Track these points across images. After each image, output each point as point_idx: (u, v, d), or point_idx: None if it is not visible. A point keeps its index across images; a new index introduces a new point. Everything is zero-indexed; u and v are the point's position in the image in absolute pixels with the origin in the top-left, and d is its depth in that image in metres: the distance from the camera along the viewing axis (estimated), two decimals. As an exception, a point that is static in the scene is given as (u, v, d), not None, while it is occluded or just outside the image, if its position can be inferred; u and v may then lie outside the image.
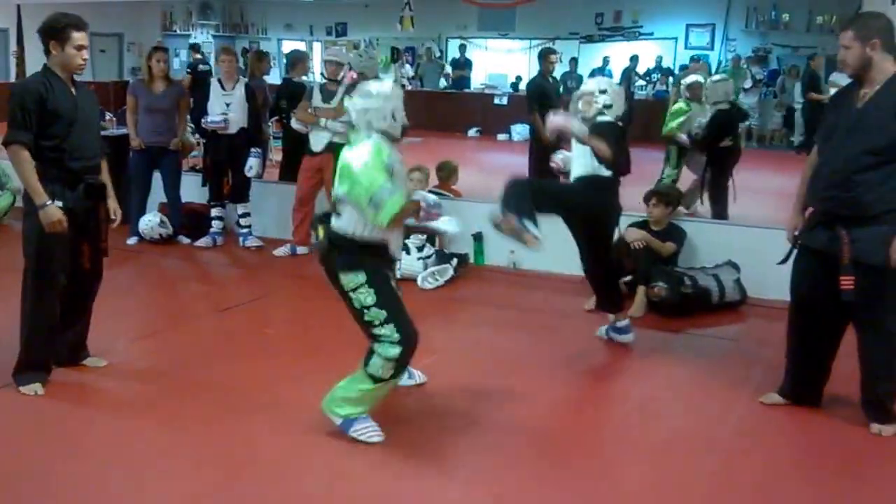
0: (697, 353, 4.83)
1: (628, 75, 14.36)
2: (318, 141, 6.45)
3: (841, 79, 12.00)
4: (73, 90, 3.94)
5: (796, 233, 3.88)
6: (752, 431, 3.80)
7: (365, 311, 3.38)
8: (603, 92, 4.47)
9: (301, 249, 6.72)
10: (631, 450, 3.58)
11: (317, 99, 6.47)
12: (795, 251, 3.88)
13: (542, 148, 8.24)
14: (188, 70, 11.52)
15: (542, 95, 8.26)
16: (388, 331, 3.38)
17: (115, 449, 3.46)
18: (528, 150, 8.54)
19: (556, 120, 4.31)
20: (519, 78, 16.18)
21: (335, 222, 3.42)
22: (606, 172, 4.37)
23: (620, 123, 4.51)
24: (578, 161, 4.55)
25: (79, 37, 3.85)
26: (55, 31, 3.84)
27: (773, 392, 4.02)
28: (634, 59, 14.94)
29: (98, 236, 4.09)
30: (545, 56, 8.56)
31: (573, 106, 4.64)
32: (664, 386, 4.33)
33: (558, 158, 4.93)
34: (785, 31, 15.30)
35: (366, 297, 3.37)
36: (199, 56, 12.21)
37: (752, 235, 5.76)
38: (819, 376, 3.91)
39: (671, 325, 5.19)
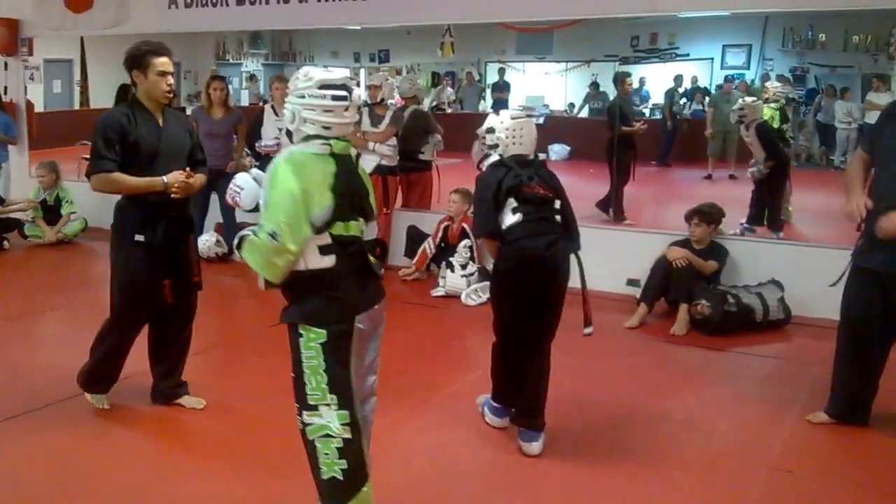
0: (742, 372, 4.82)
1: (671, 95, 14.29)
2: (366, 164, 6.60)
3: (877, 98, 12.06)
4: (159, 121, 3.83)
5: (864, 204, 3.59)
6: (800, 450, 3.78)
7: None
8: (490, 131, 3.79)
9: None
10: (678, 467, 3.58)
11: (365, 123, 6.65)
12: (848, 272, 3.82)
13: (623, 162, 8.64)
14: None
15: (622, 115, 8.70)
16: None
17: (149, 473, 3.51)
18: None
19: None
20: (572, 105, 16.45)
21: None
22: None
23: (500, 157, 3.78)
24: None
25: (160, 62, 3.74)
26: (135, 60, 3.74)
27: (821, 412, 4.00)
28: (678, 78, 14.80)
29: (188, 271, 3.96)
30: (621, 80, 9.01)
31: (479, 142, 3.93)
32: (709, 404, 4.31)
33: None
34: (822, 50, 15.25)
35: None
36: None
37: (795, 253, 5.77)
38: (867, 395, 3.89)
39: (715, 343, 5.19)
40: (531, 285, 3.59)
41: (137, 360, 4.26)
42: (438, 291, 6.28)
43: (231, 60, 19.42)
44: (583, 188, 10.22)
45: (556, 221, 3.70)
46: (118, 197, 3.86)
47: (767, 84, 9.61)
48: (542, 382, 3.77)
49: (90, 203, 8.53)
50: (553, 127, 14.38)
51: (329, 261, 2.59)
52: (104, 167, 3.70)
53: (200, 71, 15.95)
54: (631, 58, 16.58)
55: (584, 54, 16.05)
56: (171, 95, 3.85)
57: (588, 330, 3.82)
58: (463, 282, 6.17)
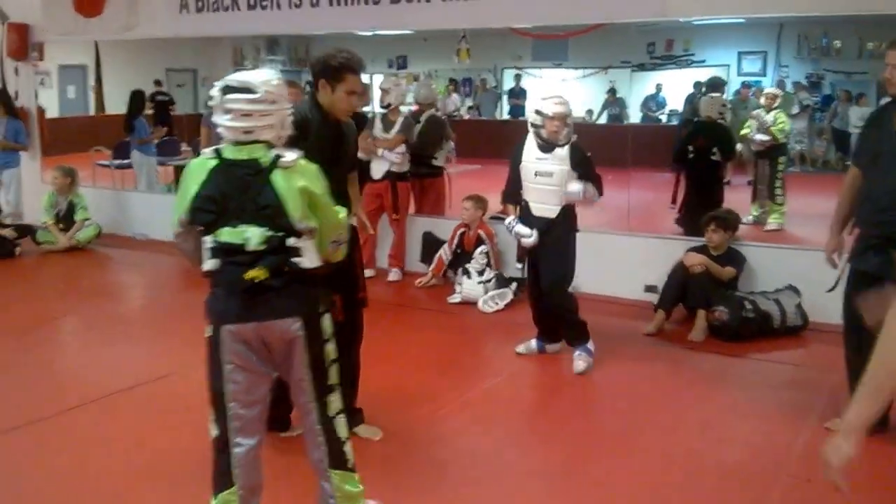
0: (760, 379, 4.80)
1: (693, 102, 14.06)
2: (377, 169, 6.69)
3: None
4: (341, 128, 3.49)
5: (835, 255, 3.84)
6: (819, 459, 3.74)
7: (331, 364, 2.77)
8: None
9: (367, 272, 6.85)
10: (695, 474, 3.58)
11: (377, 129, 6.67)
12: (847, 275, 3.84)
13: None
14: (149, 99, 12.45)
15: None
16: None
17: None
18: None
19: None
20: (590, 111, 16.38)
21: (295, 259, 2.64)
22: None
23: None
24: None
25: (353, 80, 3.37)
26: (329, 70, 3.36)
27: (840, 419, 3.96)
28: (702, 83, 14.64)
29: (354, 284, 3.60)
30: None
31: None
32: (728, 410, 4.31)
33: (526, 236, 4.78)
34: (837, 57, 15.25)
35: (333, 346, 2.78)
36: (159, 88, 13.36)
37: (812, 259, 5.68)
38: None
39: (732, 349, 5.18)
40: None
41: (170, 359, 4.24)
42: (455, 298, 6.26)
43: (249, 67, 19.57)
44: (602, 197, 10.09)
45: None
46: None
47: (771, 90, 9.61)
48: None
49: (105, 209, 8.62)
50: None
51: (213, 264, 2.61)
52: None
53: (218, 77, 16.01)
54: (647, 64, 16.57)
55: (600, 61, 16.02)
56: (348, 115, 3.51)
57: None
58: (480, 288, 6.15)
